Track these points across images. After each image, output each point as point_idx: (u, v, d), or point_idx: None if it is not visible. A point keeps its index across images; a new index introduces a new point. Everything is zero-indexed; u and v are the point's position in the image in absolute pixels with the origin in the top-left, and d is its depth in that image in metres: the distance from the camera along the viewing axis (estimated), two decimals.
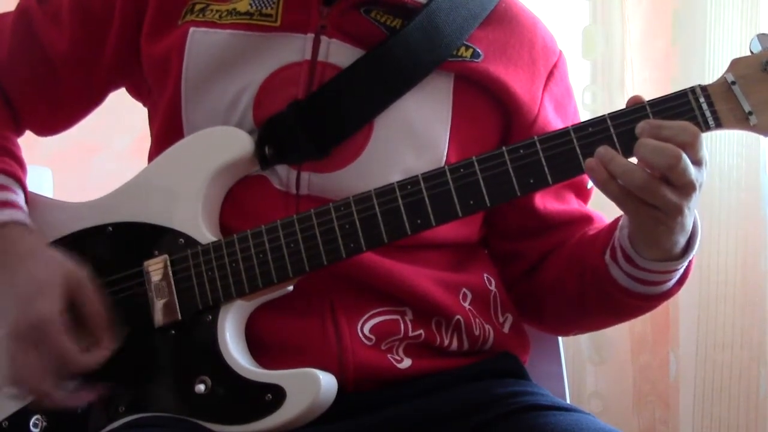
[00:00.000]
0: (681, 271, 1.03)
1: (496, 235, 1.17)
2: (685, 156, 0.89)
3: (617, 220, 1.04)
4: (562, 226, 1.15)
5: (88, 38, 1.13)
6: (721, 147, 1.70)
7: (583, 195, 1.18)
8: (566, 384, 1.27)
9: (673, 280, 1.04)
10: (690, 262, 1.03)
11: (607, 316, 1.15)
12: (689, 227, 0.96)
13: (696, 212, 0.97)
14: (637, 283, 1.03)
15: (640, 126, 0.92)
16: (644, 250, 0.99)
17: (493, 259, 1.18)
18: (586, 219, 1.16)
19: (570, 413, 0.98)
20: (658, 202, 0.91)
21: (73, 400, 0.99)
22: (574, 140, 0.94)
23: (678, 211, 0.92)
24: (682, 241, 0.97)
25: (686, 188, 0.90)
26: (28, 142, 1.18)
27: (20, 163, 1.12)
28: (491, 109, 1.09)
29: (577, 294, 1.10)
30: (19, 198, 1.08)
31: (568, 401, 1.18)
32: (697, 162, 0.91)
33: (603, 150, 0.92)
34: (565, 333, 1.25)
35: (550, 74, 1.12)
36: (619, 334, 1.87)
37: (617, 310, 1.11)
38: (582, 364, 1.92)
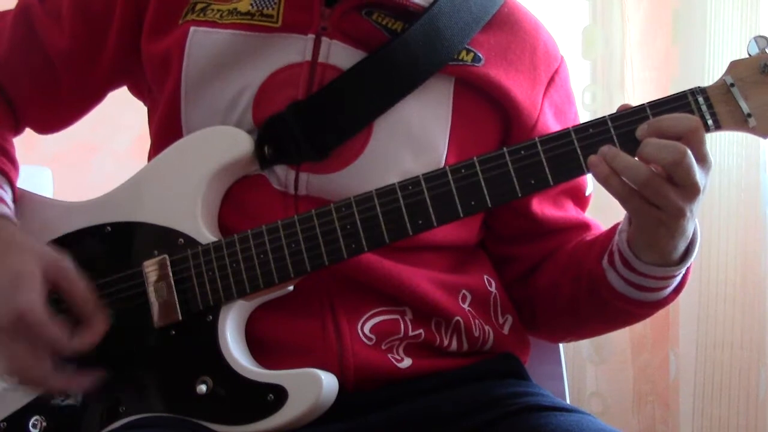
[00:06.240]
0: (678, 279, 1.03)
1: (492, 238, 1.17)
2: (689, 153, 0.89)
3: (616, 225, 1.04)
4: (558, 232, 1.15)
5: (88, 37, 1.13)
6: (721, 147, 1.70)
7: (581, 202, 1.18)
8: (566, 384, 1.27)
9: (670, 288, 1.04)
10: (688, 270, 1.03)
11: (600, 322, 1.15)
12: (690, 233, 0.96)
13: (696, 220, 0.97)
14: (634, 289, 1.03)
15: (641, 128, 0.92)
16: (643, 253, 0.98)
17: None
18: (583, 226, 1.16)
19: (570, 414, 0.98)
20: (661, 201, 0.91)
21: (73, 383, 0.98)
22: (575, 141, 0.94)
23: (681, 213, 0.92)
24: (681, 246, 0.97)
25: (690, 189, 0.90)
26: (28, 142, 1.18)
27: (12, 161, 1.12)
28: (491, 114, 1.09)
29: (571, 299, 1.10)
30: (6, 194, 1.08)
31: (568, 401, 1.18)
32: (702, 158, 0.91)
33: (606, 148, 0.92)
34: (558, 339, 1.23)
35: (551, 80, 1.12)
36: (619, 334, 1.87)
37: (611, 316, 1.10)
38: (582, 364, 1.92)
